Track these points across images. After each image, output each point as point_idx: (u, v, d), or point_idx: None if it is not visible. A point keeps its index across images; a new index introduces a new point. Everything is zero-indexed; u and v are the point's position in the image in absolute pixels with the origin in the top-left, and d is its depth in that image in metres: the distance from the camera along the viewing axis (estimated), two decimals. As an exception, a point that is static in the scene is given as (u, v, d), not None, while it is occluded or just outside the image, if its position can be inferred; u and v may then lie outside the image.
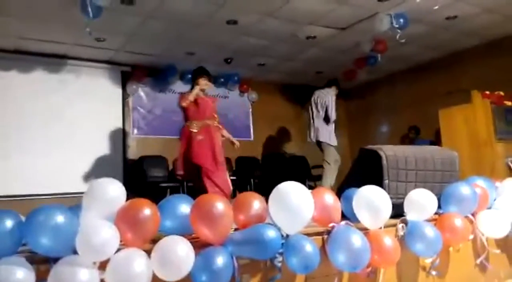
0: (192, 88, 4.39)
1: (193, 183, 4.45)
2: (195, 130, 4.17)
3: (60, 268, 1.42)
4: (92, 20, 3.97)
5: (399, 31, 4.93)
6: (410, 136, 6.84)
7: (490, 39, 6.05)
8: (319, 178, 6.56)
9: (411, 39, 5.67)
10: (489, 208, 2.61)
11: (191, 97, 4.23)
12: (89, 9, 3.82)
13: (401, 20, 4.93)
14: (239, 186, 6.36)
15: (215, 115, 4.41)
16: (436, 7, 4.74)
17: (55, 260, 1.45)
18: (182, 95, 4.38)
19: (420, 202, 2.28)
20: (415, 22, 5.21)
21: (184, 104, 4.22)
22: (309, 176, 6.82)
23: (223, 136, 4.46)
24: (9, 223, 1.45)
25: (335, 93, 5.69)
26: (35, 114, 5.61)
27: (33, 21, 4.71)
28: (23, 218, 1.50)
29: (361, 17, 5.13)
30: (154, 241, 1.62)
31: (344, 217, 2.15)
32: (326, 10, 4.90)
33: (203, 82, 4.37)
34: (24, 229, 1.45)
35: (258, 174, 6.93)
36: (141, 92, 6.67)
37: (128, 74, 6.46)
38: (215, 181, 4.04)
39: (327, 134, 5.45)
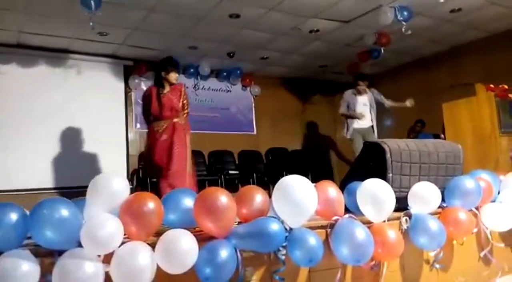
0: (158, 80, 4.09)
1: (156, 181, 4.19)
2: (160, 130, 3.96)
3: (65, 261, 1.43)
4: (93, 13, 3.95)
5: (403, 23, 4.90)
6: (417, 130, 6.83)
7: (494, 32, 6.00)
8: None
9: (415, 32, 5.62)
10: (493, 201, 2.60)
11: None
12: (92, 2, 3.80)
13: (405, 13, 4.90)
14: (242, 180, 6.36)
15: (184, 112, 4.09)
16: (441, 0, 4.70)
17: (60, 253, 1.46)
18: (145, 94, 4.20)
19: (424, 195, 2.27)
20: (419, 15, 5.17)
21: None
22: (311, 170, 6.81)
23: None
24: (13, 216, 1.45)
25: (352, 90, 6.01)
26: (37, 108, 5.62)
27: (35, 15, 4.70)
28: (27, 212, 1.51)
29: (364, 10, 5.10)
30: (158, 234, 1.63)
31: (347, 210, 2.15)
32: (330, 3, 4.87)
33: (175, 77, 4.08)
34: (28, 222, 1.45)
35: (261, 167, 6.93)
36: (144, 86, 6.66)
37: (130, 69, 6.45)
38: (171, 182, 3.81)
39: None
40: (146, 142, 4.22)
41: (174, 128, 3.97)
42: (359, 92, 5.83)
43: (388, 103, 5.93)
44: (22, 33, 5.22)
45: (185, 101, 4.08)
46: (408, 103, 5.72)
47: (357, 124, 5.72)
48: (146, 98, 4.13)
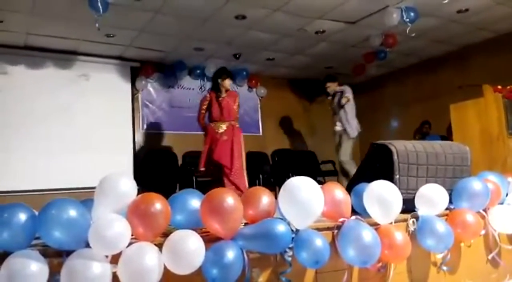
0: (215, 86, 4.77)
1: (212, 180, 4.67)
2: (220, 131, 4.55)
3: (73, 261, 1.44)
4: (101, 15, 3.98)
5: (409, 25, 4.88)
6: (424, 131, 6.79)
7: (501, 33, 5.96)
8: (328, 173, 6.56)
9: (422, 33, 5.61)
10: (501, 203, 2.58)
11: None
12: (99, 5, 3.83)
13: (412, 14, 4.87)
14: (248, 181, 6.35)
15: (237, 116, 4.78)
16: (446, 1, 4.68)
17: (68, 253, 1.47)
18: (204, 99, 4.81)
19: (431, 197, 2.26)
20: (425, 16, 5.15)
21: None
22: (318, 171, 6.80)
23: None
24: (22, 217, 1.47)
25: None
26: (44, 109, 5.66)
27: (43, 16, 4.74)
28: (36, 212, 1.52)
29: (370, 11, 5.08)
30: (165, 235, 1.63)
31: (354, 212, 2.14)
32: (335, 4, 4.86)
33: (228, 83, 4.75)
34: (37, 223, 1.47)
35: (267, 169, 6.93)
36: (150, 88, 6.70)
37: (137, 70, 6.48)
38: (233, 180, 4.39)
39: None
40: (205, 141, 4.65)
41: (233, 130, 4.61)
42: (329, 95, 5.79)
43: (342, 101, 5.60)
44: (29, 35, 5.26)
45: (237, 106, 4.75)
46: (344, 100, 5.54)
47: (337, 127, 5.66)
48: (207, 101, 4.73)
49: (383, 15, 4.99)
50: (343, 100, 5.50)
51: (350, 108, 5.59)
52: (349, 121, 5.54)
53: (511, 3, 5.04)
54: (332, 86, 5.78)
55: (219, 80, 4.73)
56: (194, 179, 5.69)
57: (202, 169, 4.57)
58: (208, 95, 4.84)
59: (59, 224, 1.45)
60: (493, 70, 5.83)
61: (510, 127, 4.23)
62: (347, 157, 5.50)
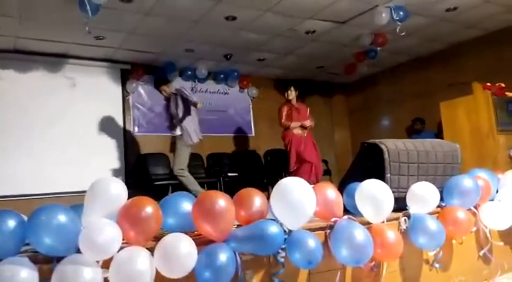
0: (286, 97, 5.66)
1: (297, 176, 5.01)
2: (304, 134, 5.45)
3: (64, 267, 1.42)
4: (91, 18, 3.95)
5: (399, 24, 4.91)
6: (416, 128, 6.80)
7: (490, 30, 6.01)
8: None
9: (412, 31, 5.65)
10: (492, 200, 2.61)
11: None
12: (88, 8, 3.80)
13: (401, 13, 4.91)
14: (241, 182, 6.35)
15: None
16: (436, -1, 4.72)
17: (58, 259, 1.45)
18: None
19: (423, 195, 2.28)
20: (415, 15, 5.18)
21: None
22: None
23: None
24: (11, 223, 1.45)
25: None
26: (35, 113, 5.61)
27: (32, 20, 4.70)
28: (25, 218, 1.50)
29: (360, 10, 5.10)
30: (157, 238, 1.62)
31: (346, 211, 2.15)
32: (325, 3, 4.87)
33: (294, 94, 5.67)
34: (26, 229, 1.45)
35: (260, 169, 6.93)
36: (141, 90, 6.66)
37: (127, 72, 6.45)
38: (317, 175, 5.29)
39: None
40: (290, 144, 5.41)
41: (310, 133, 5.56)
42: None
43: (195, 100, 4.89)
44: (18, 39, 5.21)
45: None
46: (198, 105, 4.86)
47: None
48: (286, 110, 5.55)
49: (373, 14, 5.02)
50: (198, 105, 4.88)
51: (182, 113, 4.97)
52: (184, 127, 4.91)
53: (499, 1, 5.09)
54: (167, 90, 5.12)
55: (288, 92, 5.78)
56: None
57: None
58: (285, 105, 5.67)
59: (49, 230, 1.43)
60: (482, 68, 5.88)
61: (499, 125, 4.27)
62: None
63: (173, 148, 5.08)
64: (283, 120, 5.53)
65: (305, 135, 5.47)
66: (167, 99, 5.21)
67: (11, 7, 4.35)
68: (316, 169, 5.35)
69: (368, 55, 6.43)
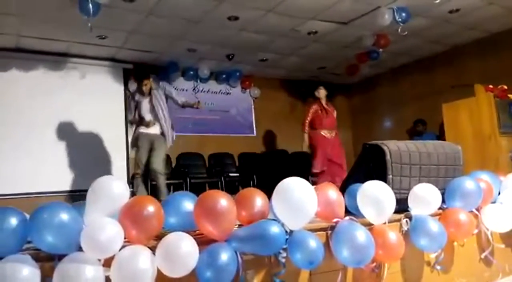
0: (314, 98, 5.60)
1: (322, 178, 5.24)
2: (333, 135, 5.48)
3: (65, 265, 1.42)
4: (92, 18, 3.96)
5: (401, 25, 4.91)
6: (417, 130, 6.80)
7: (493, 32, 6.01)
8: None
9: (414, 33, 5.65)
10: (494, 202, 2.60)
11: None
12: (90, 7, 3.80)
13: (403, 14, 4.91)
14: (242, 182, 6.36)
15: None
16: (438, 1, 4.71)
17: (60, 257, 1.45)
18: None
19: (424, 197, 2.27)
20: (417, 16, 5.18)
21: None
22: (311, 173, 6.80)
23: None
24: (13, 221, 1.45)
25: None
26: (36, 112, 5.62)
27: (34, 19, 4.71)
28: (27, 216, 1.50)
29: (363, 11, 5.10)
30: (159, 237, 1.62)
31: (348, 212, 2.15)
32: (328, 4, 4.87)
33: (324, 93, 5.59)
34: (28, 227, 1.45)
35: (261, 170, 6.92)
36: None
37: (130, 72, 6.45)
38: (341, 175, 4.99)
39: None
40: (317, 145, 5.41)
41: (337, 135, 5.57)
42: (143, 93, 4.78)
43: (182, 99, 4.91)
44: (21, 37, 5.22)
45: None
46: (196, 105, 4.87)
47: (143, 129, 4.72)
48: (315, 111, 5.50)
49: (375, 15, 5.02)
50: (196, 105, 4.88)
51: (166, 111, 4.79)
52: (166, 126, 4.75)
53: (502, 2, 5.08)
54: (148, 84, 4.78)
55: (316, 93, 5.67)
56: (188, 181, 5.68)
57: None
58: (315, 106, 5.59)
59: (51, 228, 1.43)
60: (484, 70, 5.88)
61: (501, 127, 4.27)
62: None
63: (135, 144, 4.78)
64: (307, 121, 5.50)
65: (333, 136, 5.49)
66: (138, 94, 4.82)
67: (14, 6, 4.36)
68: (342, 171, 5.31)
69: (370, 56, 6.43)
